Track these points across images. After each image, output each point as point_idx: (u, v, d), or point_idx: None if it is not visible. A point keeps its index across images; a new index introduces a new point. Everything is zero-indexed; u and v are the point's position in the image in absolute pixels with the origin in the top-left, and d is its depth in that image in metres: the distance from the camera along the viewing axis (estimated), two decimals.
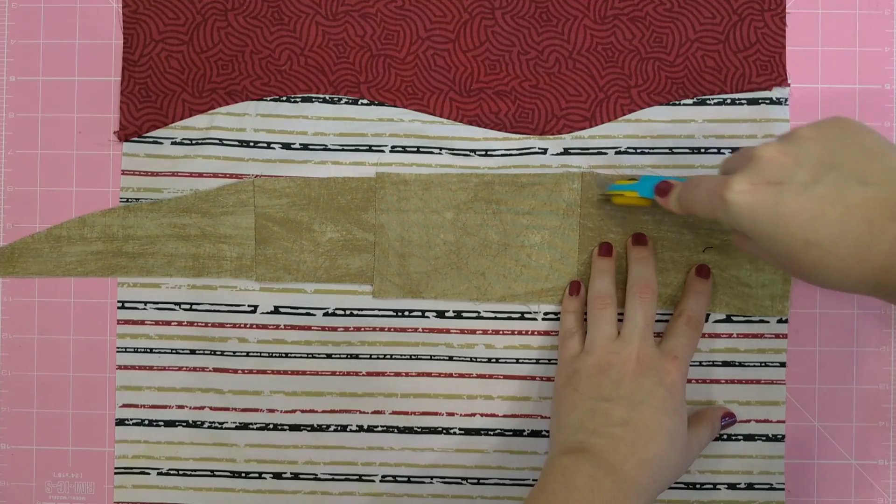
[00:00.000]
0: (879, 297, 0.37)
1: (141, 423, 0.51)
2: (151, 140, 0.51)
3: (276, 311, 0.51)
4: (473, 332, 0.51)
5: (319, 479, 0.51)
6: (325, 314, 0.51)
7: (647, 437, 0.44)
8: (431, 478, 0.51)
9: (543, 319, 0.51)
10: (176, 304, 0.51)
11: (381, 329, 0.51)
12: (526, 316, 0.51)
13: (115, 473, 0.51)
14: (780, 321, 0.50)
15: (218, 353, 0.51)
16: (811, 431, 0.51)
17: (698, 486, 0.50)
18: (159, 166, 0.51)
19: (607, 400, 0.45)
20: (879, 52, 0.51)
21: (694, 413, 0.49)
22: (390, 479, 0.51)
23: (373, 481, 0.51)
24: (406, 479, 0.51)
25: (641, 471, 0.43)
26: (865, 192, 0.37)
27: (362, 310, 0.51)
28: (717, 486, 0.50)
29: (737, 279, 0.50)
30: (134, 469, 0.51)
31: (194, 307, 0.51)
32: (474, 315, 0.51)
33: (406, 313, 0.51)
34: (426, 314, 0.51)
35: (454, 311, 0.51)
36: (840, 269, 0.37)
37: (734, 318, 0.50)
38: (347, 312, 0.51)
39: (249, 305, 0.51)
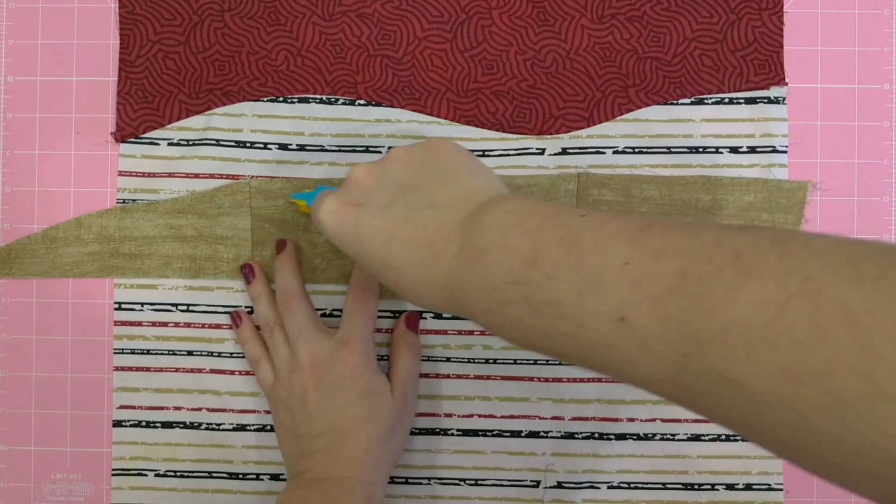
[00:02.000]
0: (459, 314, 0.37)
1: (138, 424, 0.51)
2: (148, 141, 0.51)
3: None
4: (471, 332, 0.51)
5: None
6: (322, 315, 0.51)
7: (342, 438, 0.45)
8: (429, 479, 0.51)
9: None
10: (173, 305, 0.51)
11: (378, 331, 0.51)
12: None
13: (113, 475, 0.51)
14: None
15: (215, 354, 0.51)
16: None
17: (696, 486, 0.50)
18: (156, 167, 0.51)
19: (305, 421, 0.46)
20: (879, 52, 0.51)
21: (392, 349, 0.50)
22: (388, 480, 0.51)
23: None
24: (403, 480, 0.51)
25: (349, 468, 0.44)
26: (430, 215, 0.36)
27: None
28: (716, 487, 0.50)
29: None
30: (131, 471, 0.51)
31: (191, 308, 0.51)
32: None
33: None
34: (423, 315, 0.51)
35: None
36: (414, 290, 0.37)
37: None
38: None
39: (246, 307, 0.51)
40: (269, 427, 0.51)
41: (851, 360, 0.24)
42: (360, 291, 0.48)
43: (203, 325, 0.51)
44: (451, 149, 0.40)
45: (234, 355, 0.51)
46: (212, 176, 0.51)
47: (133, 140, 0.51)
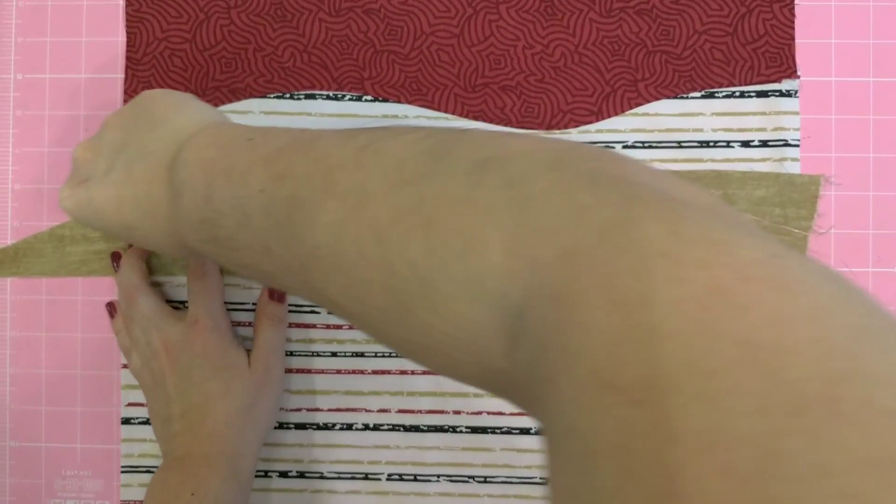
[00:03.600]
0: (197, 256, 0.36)
1: (146, 421, 0.51)
2: None
3: None
4: None
5: (325, 478, 0.51)
6: (330, 312, 0.51)
7: (200, 414, 0.45)
8: (438, 476, 0.51)
9: None
10: (180, 302, 0.51)
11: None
12: None
13: (122, 472, 0.51)
14: None
15: None
16: None
17: None
18: None
19: (167, 404, 0.46)
20: (893, 45, 0.50)
21: (254, 321, 0.50)
22: (396, 477, 0.51)
23: (379, 480, 0.51)
24: (412, 477, 0.51)
25: (210, 443, 0.44)
26: (144, 164, 0.36)
27: None
28: None
29: None
30: (140, 468, 0.51)
31: None
32: None
33: None
34: None
35: None
36: (156, 242, 0.36)
37: None
38: None
39: (253, 303, 0.51)
40: (276, 424, 0.51)
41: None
42: (197, 268, 0.48)
43: None
44: (158, 94, 0.39)
45: None
46: None
47: None
